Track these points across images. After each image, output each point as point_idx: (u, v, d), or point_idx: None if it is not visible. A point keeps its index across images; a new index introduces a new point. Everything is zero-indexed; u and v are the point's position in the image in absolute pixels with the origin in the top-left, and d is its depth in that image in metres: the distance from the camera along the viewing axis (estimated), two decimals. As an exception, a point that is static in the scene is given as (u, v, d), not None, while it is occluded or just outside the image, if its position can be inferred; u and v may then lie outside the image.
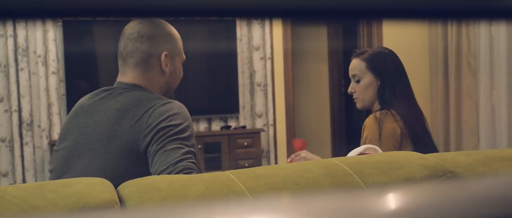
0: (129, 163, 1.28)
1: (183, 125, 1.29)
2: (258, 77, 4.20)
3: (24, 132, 3.74)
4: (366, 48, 1.85)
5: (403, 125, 1.67)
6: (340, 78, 5.40)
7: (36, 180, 3.74)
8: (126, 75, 1.43)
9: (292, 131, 4.29)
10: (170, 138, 1.26)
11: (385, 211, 0.34)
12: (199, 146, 3.93)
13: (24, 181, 3.71)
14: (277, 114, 4.25)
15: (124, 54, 1.43)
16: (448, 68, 4.19)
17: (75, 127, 1.36)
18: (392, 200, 0.36)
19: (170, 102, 1.34)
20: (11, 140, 3.72)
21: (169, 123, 1.28)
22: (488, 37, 3.80)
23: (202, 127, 4.17)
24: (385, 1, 0.31)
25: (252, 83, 4.22)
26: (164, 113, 1.29)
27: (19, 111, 3.73)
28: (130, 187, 0.88)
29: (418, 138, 1.66)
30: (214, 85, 4.20)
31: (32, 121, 3.76)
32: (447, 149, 4.20)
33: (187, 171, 1.22)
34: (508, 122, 3.67)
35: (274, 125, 4.24)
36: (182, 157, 1.24)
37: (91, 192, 0.90)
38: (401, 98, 1.73)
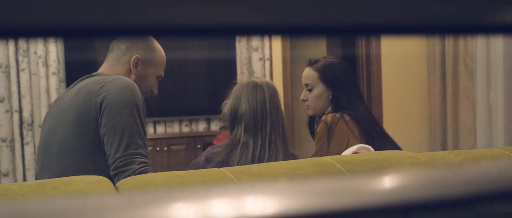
0: (85, 128, 1.43)
1: (131, 101, 1.44)
2: (257, 78, 4.23)
3: (24, 132, 3.77)
4: (319, 58, 1.88)
5: (357, 128, 1.69)
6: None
7: (36, 180, 3.77)
8: (101, 67, 1.65)
9: (290, 131, 4.32)
10: (118, 117, 1.40)
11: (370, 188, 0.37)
12: (198, 146, 3.96)
13: (24, 180, 3.74)
14: (276, 114, 4.28)
15: (108, 51, 1.66)
16: (445, 69, 4.22)
17: (51, 113, 1.56)
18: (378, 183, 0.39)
19: (120, 77, 1.51)
20: (12, 140, 3.75)
21: (118, 97, 1.42)
22: (485, 38, 3.83)
23: (201, 127, 4.20)
24: (382, 18, 0.32)
25: (251, 83, 4.25)
26: (115, 87, 1.45)
27: (20, 111, 3.76)
28: (128, 183, 0.91)
29: (374, 140, 1.66)
30: (213, 85, 4.23)
31: (32, 121, 3.79)
32: (444, 149, 4.23)
33: (143, 168, 1.38)
34: (505, 122, 3.70)
35: (273, 125, 4.27)
36: (136, 151, 1.39)
37: (91, 189, 0.93)
38: (353, 105, 1.76)
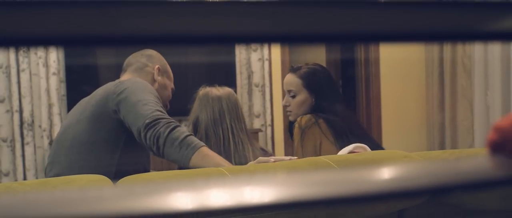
0: (100, 124, 1.51)
1: (148, 87, 1.53)
2: (256, 78, 4.25)
3: (25, 132, 3.78)
4: (301, 64, 1.90)
5: (330, 132, 1.72)
6: (336, 79, 5.45)
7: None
8: (122, 77, 1.71)
9: (289, 131, 4.33)
10: (139, 95, 1.48)
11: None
12: (198, 146, 3.97)
13: (25, 180, 3.75)
14: (275, 114, 4.30)
15: (125, 66, 1.73)
16: (443, 70, 4.24)
17: (69, 115, 1.66)
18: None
19: (133, 77, 1.62)
20: (12, 140, 3.77)
21: (134, 90, 1.50)
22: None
23: (200, 127, 4.21)
24: (380, 25, 0.33)
25: (250, 84, 4.27)
26: (132, 81, 1.54)
27: (20, 111, 3.78)
28: (128, 182, 0.93)
29: (351, 143, 1.66)
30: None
31: (33, 121, 3.81)
32: (442, 149, 4.25)
33: (171, 123, 1.42)
34: (502, 122, 3.72)
35: (272, 125, 4.29)
36: (157, 110, 1.45)
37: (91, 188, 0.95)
38: (332, 109, 1.80)
